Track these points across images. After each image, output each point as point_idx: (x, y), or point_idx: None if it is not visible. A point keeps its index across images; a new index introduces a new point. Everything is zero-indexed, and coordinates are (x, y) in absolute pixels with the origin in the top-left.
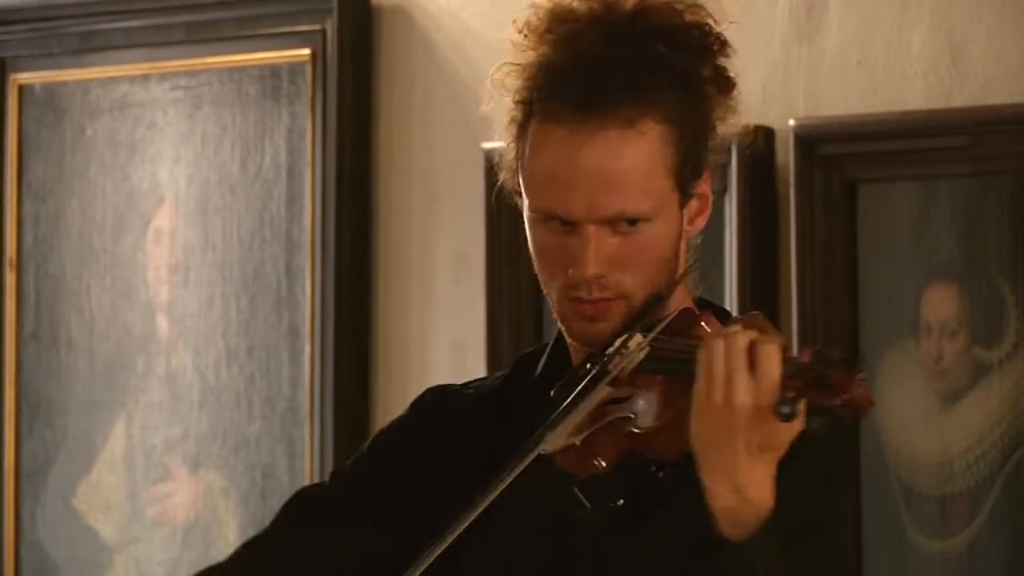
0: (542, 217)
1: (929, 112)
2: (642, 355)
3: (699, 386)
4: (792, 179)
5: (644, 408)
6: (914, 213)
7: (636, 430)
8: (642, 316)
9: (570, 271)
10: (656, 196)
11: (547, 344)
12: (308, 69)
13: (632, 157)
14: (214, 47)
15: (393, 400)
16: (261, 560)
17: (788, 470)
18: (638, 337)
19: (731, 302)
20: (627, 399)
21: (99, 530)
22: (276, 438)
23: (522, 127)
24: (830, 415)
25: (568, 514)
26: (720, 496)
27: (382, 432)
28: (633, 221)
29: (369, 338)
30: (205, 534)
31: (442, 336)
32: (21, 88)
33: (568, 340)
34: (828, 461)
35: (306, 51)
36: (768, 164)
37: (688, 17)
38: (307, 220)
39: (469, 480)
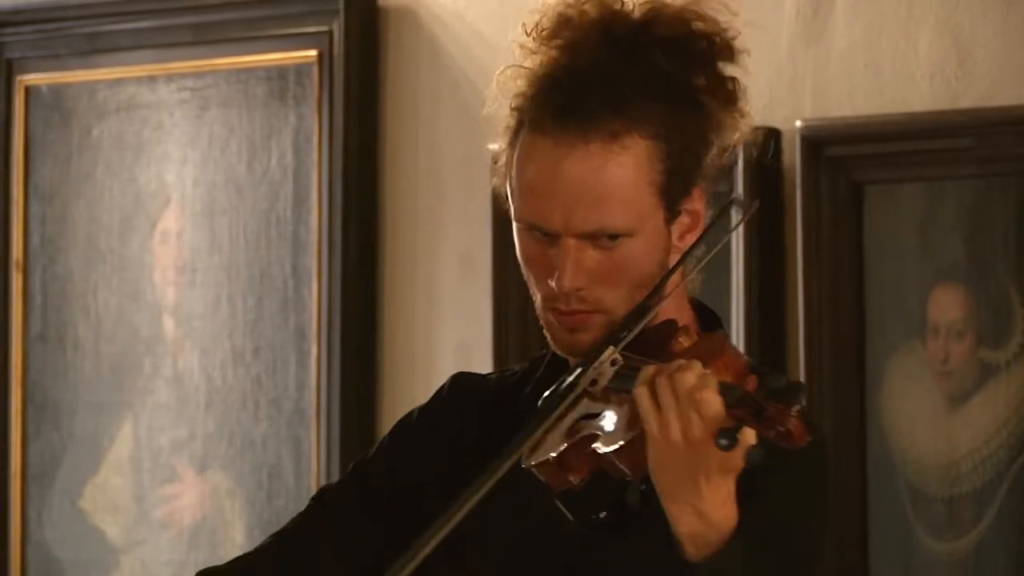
0: (525, 227)
1: (935, 114)
2: (613, 371)
3: (647, 426)
4: (798, 180)
5: (608, 426)
6: (920, 214)
7: (600, 449)
8: (624, 329)
9: (550, 282)
10: (638, 213)
11: None
12: (315, 70)
13: (614, 172)
14: (221, 48)
15: (399, 401)
16: (267, 563)
17: (762, 492)
18: (609, 351)
19: (738, 304)
20: (598, 415)
21: (106, 531)
22: (283, 439)
23: (515, 134)
24: (765, 446)
25: (551, 526)
26: (683, 523)
27: (405, 417)
28: (614, 236)
29: (375, 339)
30: (212, 535)
31: (448, 338)
32: (28, 89)
33: None
34: (808, 482)
35: (313, 52)
36: (774, 165)
37: (697, 26)
38: (314, 221)
39: (465, 470)
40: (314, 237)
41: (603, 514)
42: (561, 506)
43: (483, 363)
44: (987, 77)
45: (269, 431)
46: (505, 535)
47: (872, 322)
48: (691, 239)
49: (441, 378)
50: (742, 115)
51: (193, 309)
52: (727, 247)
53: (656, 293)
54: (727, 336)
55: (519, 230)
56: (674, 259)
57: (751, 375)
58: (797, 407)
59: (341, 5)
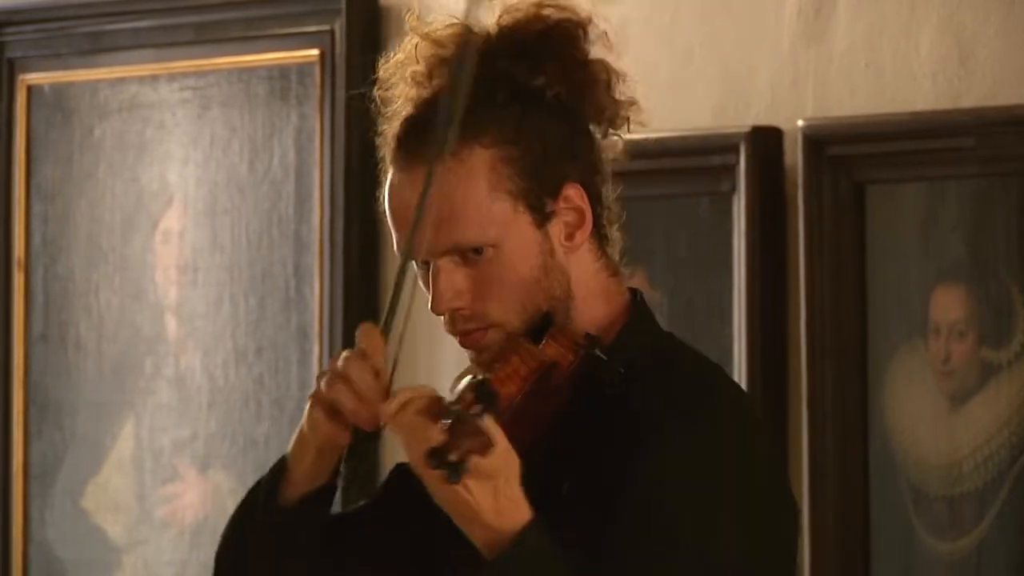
0: (405, 261)
1: (937, 113)
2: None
3: None
4: (800, 180)
5: None
6: (922, 214)
7: None
8: (534, 336)
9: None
10: (494, 222)
11: None
12: (317, 70)
13: (456, 187)
14: (223, 48)
15: None
16: None
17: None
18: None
19: (739, 303)
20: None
21: (107, 531)
22: (285, 439)
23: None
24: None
25: None
26: (469, 532)
27: None
28: (478, 250)
29: None
30: (214, 535)
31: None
32: (30, 88)
33: None
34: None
35: (315, 52)
36: (776, 165)
37: (546, 20)
38: (316, 220)
39: None
40: (316, 236)
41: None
42: None
43: None
44: (989, 77)
45: (271, 431)
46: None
47: (874, 321)
48: (583, 236)
49: (444, 377)
50: (620, 101)
51: (195, 309)
52: (729, 245)
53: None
54: (511, 338)
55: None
56: (571, 259)
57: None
58: (473, 423)
59: (343, 4)
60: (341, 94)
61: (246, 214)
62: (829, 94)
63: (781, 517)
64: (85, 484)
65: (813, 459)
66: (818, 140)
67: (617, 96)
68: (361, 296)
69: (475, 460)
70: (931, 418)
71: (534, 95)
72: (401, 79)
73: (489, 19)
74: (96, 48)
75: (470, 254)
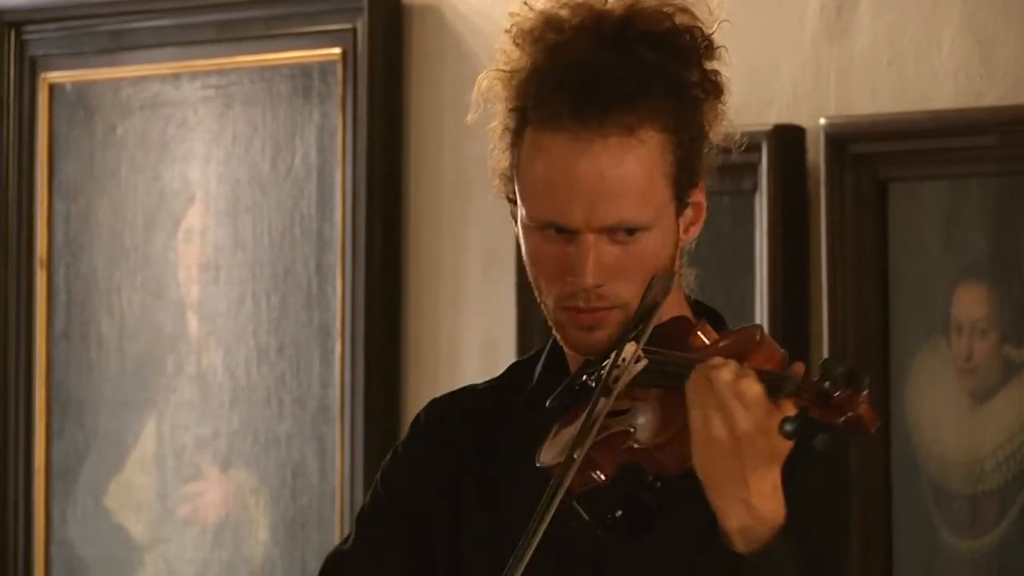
0: (539, 225)
1: (959, 111)
2: (639, 367)
3: (692, 423)
4: (822, 178)
5: (644, 423)
6: (944, 212)
7: (636, 445)
8: (636, 326)
9: (568, 280)
10: (655, 205)
11: (541, 350)
12: (339, 68)
13: (633, 165)
14: (245, 46)
15: (424, 399)
16: None
17: (796, 486)
18: (631, 348)
19: (762, 301)
20: (626, 411)
21: (129, 529)
22: (306, 437)
23: (517, 135)
24: (833, 433)
25: (568, 527)
26: (732, 517)
27: (388, 458)
28: (632, 230)
29: (400, 337)
30: (235, 533)
31: (473, 334)
32: (52, 87)
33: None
34: (835, 476)
35: (337, 50)
36: (798, 163)
37: (678, 20)
38: (338, 219)
39: (473, 486)
40: (338, 234)
41: (619, 513)
42: (577, 506)
43: (508, 359)
44: (1010, 75)
45: (293, 429)
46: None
47: (896, 319)
48: (695, 232)
49: (466, 375)
50: (725, 110)
51: (217, 307)
52: (751, 243)
53: (656, 284)
54: (761, 328)
55: (529, 229)
56: (679, 252)
57: (792, 365)
58: (865, 392)
59: (365, 3)
60: (363, 92)
61: (268, 212)
62: (851, 92)
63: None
64: (107, 482)
65: None
66: (840, 138)
67: (722, 115)
68: (383, 294)
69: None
70: (953, 416)
71: (688, 88)
72: (515, 33)
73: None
74: (118, 46)
75: (622, 233)
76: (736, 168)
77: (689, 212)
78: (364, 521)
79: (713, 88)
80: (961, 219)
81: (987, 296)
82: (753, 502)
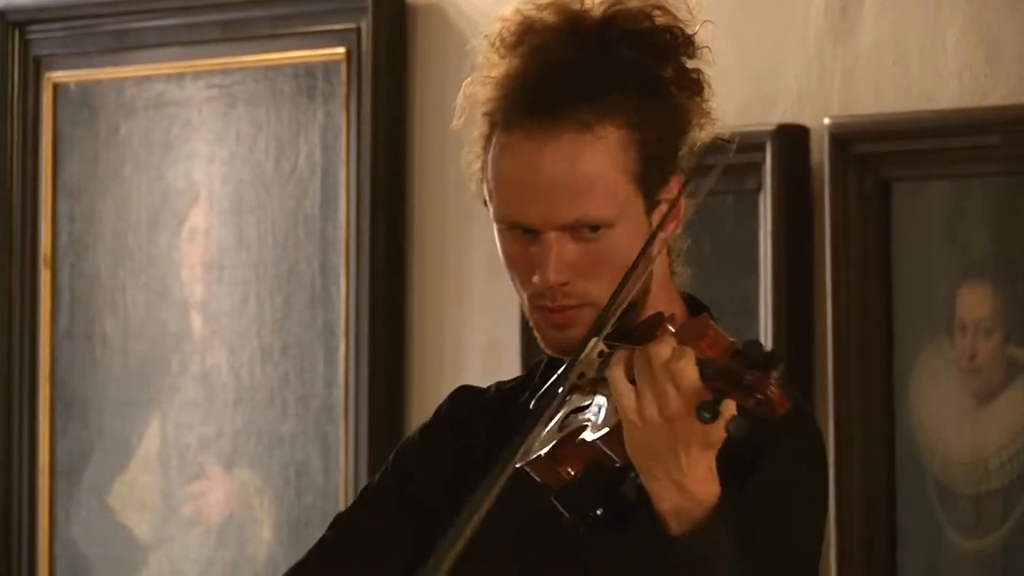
0: (505, 226)
1: (963, 111)
2: (599, 361)
3: (627, 404)
4: (826, 178)
5: (596, 415)
6: (948, 212)
7: (590, 438)
8: (611, 322)
9: (534, 279)
10: (617, 202)
11: None
12: (343, 68)
13: (590, 162)
14: (249, 46)
15: (427, 398)
16: None
17: (754, 473)
18: (593, 343)
19: (765, 301)
20: (588, 407)
21: (133, 528)
22: (310, 437)
23: (487, 138)
24: (746, 415)
25: (549, 525)
26: (665, 499)
27: (407, 438)
28: (595, 227)
29: (404, 336)
30: (239, 533)
31: (476, 334)
32: (56, 86)
33: None
34: (793, 464)
35: (341, 50)
36: (802, 163)
37: (658, 20)
38: (341, 219)
39: (469, 482)
40: (342, 234)
41: (599, 510)
42: (557, 504)
43: (512, 359)
44: (1015, 75)
45: (297, 428)
46: (506, 537)
47: (899, 319)
48: (675, 228)
49: (469, 375)
50: (711, 108)
51: (221, 306)
52: (755, 243)
53: (627, 280)
54: (709, 319)
55: (500, 231)
56: (657, 249)
57: (738, 355)
58: (775, 374)
59: (369, 3)
60: (367, 92)
61: (272, 212)
62: (855, 92)
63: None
64: (111, 482)
65: (839, 457)
66: (844, 138)
67: (706, 113)
68: (387, 294)
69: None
70: (957, 416)
71: (660, 85)
72: (495, 39)
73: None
74: (122, 46)
75: (585, 231)
76: (740, 168)
77: (666, 208)
78: (369, 491)
79: (690, 85)
80: (965, 219)
81: (991, 296)
82: (687, 484)
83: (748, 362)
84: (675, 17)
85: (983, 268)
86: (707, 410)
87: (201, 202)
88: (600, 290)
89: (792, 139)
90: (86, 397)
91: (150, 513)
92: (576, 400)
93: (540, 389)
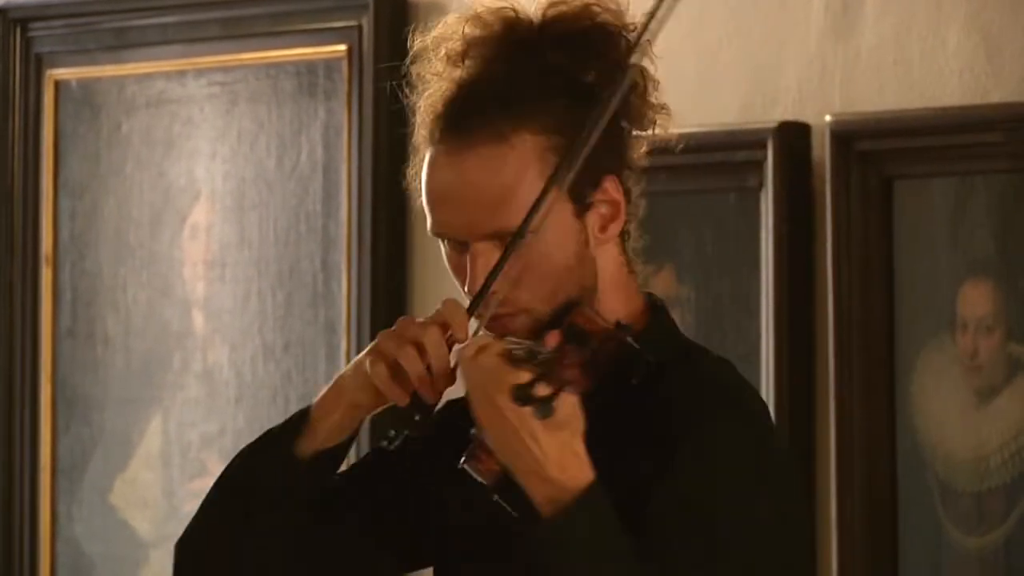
0: (438, 238)
1: (965, 108)
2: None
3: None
4: (828, 175)
5: None
6: (950, 209)
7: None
8: (554, 324)
9: (465, 289)
10: (539, 209)
11: None
12: (344, 65)
13: (507, 171)
14: (250, 43)
15: None
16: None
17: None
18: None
19: (767, 298)
20: None
21: (135, 526)
22: None
23: (420, 153)
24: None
25: (500, 523)
26: (535, 492)
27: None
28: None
29: None
30: None
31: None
32: (57, 84)
33: None
34: (742, 465)
35: (342, 47)
36: (804, 160)
37: (596, 20)
38: (343, 216)
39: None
40: (344, 232)
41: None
42: (501, 501)
43: None
44: (1016, 72)
45: None
46: (473, 533)
47: (901, 317)
48: (616, 228)
49: None
50: (653, 104)
51: (223, 304)
52: (757, 241)
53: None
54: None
55: (440, 242)
56: (600, 251)
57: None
58: (573, 357)
59: (370, 0)
60: (369, 89)
61: (274, 209)
62: (857, 89)
63: (802, 507)
64: (113, 480)
65: (841, 454)
66: (846, 135)
67: (652, 100)
68: (389, 291)
69: (560, 400)
70: (959, 413)
71: (584, 89)
72: (435, 55)
73: (534, 7)
74: (123, 43)
75: (509, 239)
76: (741, 165)
77: (603, 210)
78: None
79: (625, 83)
80: (967, 216)
81: (993, 293)
82: (550, 474)
83: (555, 349)
84: (618, 15)
85: (985, 266)
86: (520, 399)
87: (203, 199)
88: (532, 297)
89: (794, 136)
90: (88, 395)
91: (152, 511)
92: None
93: None
